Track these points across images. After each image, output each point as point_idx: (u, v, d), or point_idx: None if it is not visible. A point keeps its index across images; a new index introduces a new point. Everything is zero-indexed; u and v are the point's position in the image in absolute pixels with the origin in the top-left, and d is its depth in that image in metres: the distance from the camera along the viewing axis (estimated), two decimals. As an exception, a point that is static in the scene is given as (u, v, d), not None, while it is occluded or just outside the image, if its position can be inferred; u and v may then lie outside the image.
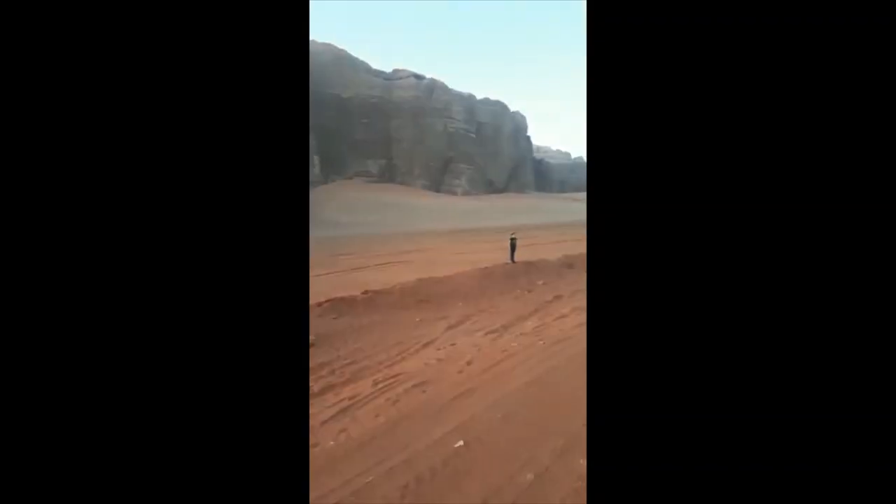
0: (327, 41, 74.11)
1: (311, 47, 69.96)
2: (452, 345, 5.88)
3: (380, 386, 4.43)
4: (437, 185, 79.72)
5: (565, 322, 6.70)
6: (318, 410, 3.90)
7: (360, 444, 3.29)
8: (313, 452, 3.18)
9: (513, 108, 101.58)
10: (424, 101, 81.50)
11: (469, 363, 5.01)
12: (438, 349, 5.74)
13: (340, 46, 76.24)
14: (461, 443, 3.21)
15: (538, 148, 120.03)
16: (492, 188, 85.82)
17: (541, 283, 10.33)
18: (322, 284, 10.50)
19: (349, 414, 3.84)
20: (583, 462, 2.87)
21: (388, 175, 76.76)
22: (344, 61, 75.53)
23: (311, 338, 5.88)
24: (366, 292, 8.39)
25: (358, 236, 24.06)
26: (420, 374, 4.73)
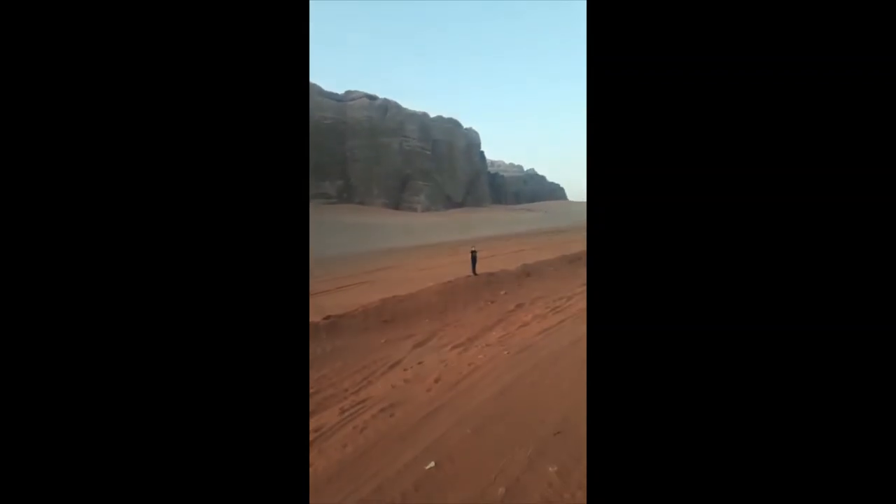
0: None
1: (258, 71, 68.27)
2: (419, 363, 5.83)
3: (346, 414, 4.30)
4: (396, 202, 79.65)
5: (528, 330, 6.85)
6: (282, 447, 3.72)
7: (328, 477, 3.17)
8: (277, 493, 3.02)
9: (465, 125, 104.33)
10: (378, 121, 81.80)
11: (437, 380, 4.98)
12: (405, 369, 5.67)
13: (289, 69, 75.24)
14: (432, 464, 3.17)
15: (492, 162, 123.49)
16: (450, 203, 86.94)
17: (502, 293, 10.52)
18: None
19: (315, 447, 3.69)
20: (552, 469, 2.93)
21: (347, 196, 75.78)
22: (293, 84, 74.41)
23: (271, 370, 5.63)
24: (327, 317, 8.16)
25: (319, 259, 23.44)
26: (387, 398, 4.64)
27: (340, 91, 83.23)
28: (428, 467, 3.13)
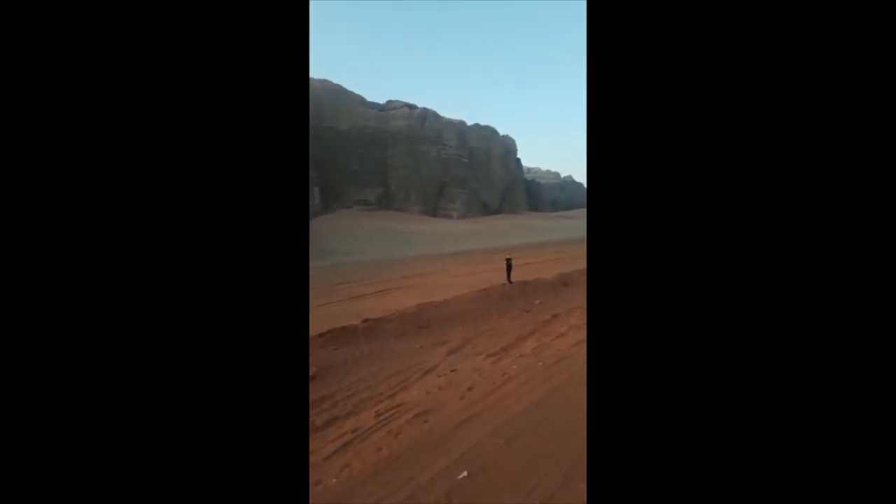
0: (324, 77, 76.68)
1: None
2: (453, 371, 5.85)
3: (382, 417, 4.40)
4: (433, 209, 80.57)
5: (563, 341, 6.69)
6: (321, 445, 3.86)
7: (363, 480, 3.26)
8: (315, 491, 3.14)
9: (502, 132, 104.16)
10: (417, 129, 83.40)
11: (470, 389, 4.98)
12: (439, 376, 5.71)
13: (336, 82, 78.60)
14: (465, 473, 3.18)
15: (528, 169, 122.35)
16: (486, 210, 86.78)
17: (538, 302, 10.34)
18: (323, 314, 10.47)
19: (352, 448, 3.80)
20: (587, 486, 2.85)
21: (386, 202, 77.66)
22: (339, 95, 77.75)
23: (313, 370, 5.85)
24: (366, 321, 8.39)
25: (358, 264, 24.15)
26: (422, 403, 4.70)
27: (382, 101, 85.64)
28: (461, 477, 3.14)
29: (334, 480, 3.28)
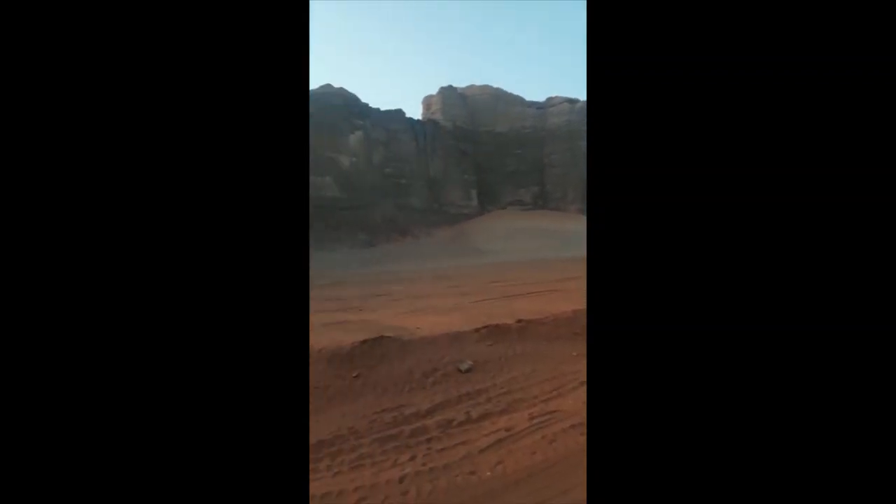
0: (486, 83, 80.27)
1: (468, 91, 76.53)
2: (615, 386, 5.35)
3: (535, 421, 4.35)
4: (592, 208, 75.40)
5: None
6: (476, 437, 4.06)
7: (517, 480, 3.28)
8: (470, 481, 3.31)
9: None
10: (578, 124, 79.17)
11: (636, 410, 4.46)
12: (598, 390, 5.30)
13: (496, 86, 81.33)
14: (629, 502, 2.86)
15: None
16: (658, 208, 76.26)
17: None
18: (477, 310, 11.00)
19: (505, 446, 3.88)
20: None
21: (542, 202, 76.53)
22: (499, 99, 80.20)
23: (469, 363, 6.20)
24: (519, 321, 8.43)
25: (510, 263, 24.57)
26: (578, 415, 4.45)
27: (542, 99, 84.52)
28: (623, 505, 2.85)
29: (489, 474, 3.40)
